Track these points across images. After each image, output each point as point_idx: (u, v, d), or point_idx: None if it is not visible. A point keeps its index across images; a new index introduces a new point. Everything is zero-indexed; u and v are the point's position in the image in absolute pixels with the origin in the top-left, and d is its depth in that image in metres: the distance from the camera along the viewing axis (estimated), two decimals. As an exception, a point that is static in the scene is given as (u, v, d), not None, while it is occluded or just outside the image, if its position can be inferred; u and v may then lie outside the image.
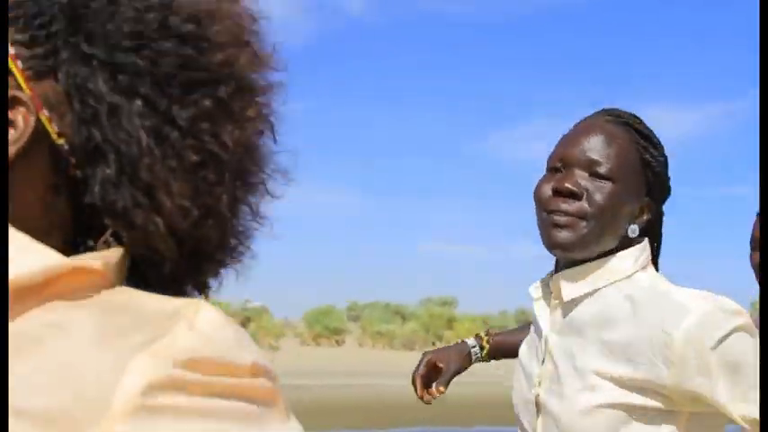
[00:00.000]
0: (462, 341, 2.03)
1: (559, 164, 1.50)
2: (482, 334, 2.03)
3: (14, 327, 0.57)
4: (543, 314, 1.58)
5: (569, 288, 1.50)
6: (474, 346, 1.99)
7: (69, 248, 0.64)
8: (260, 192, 0.70)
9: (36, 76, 0.65)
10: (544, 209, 1.49)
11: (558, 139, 1.55)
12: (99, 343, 0.56)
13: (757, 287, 2.18)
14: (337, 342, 58.98)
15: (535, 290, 1.60)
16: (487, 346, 1.99)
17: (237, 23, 0.69)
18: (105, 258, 0.62)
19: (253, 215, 0.70)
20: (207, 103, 0.65)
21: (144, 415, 0.53)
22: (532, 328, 1.66)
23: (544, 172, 1.53)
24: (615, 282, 1.49)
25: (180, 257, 0.66)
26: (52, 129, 0.65)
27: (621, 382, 1.41)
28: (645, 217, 1.52)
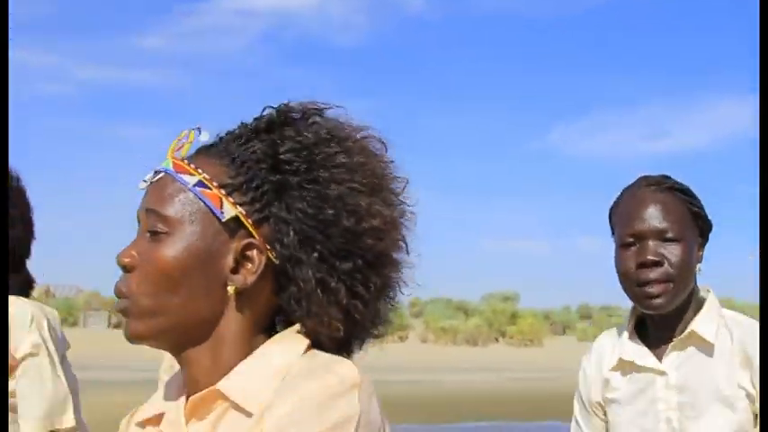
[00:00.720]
0: None
1: (631, 239, 1.80)
2: None
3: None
4: (648, 358, 1.85)
5: (703, 327, 1.81)
6: None
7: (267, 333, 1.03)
8: (393, 292, 1.06)
9: (256, 225, 1.00)
10: (636, 283, 1.79)
11: (613, 213, 1.88)
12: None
13: None
14: (401, 338, 58.89)
15: (630, 351, 1.88)
16: None
17: (388, 203, 1.03)
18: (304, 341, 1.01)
19: (388, 306, 1.07)
20: (359, 261, 1.00)
21: None
22: (626, 377, 1.89)
23: (620, 243, 1.84)
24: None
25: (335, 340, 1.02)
26: (275, 263, 1.00)
27: (751, 398, 1.76)
28: (701, 253, 1.85)
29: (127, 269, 1.00)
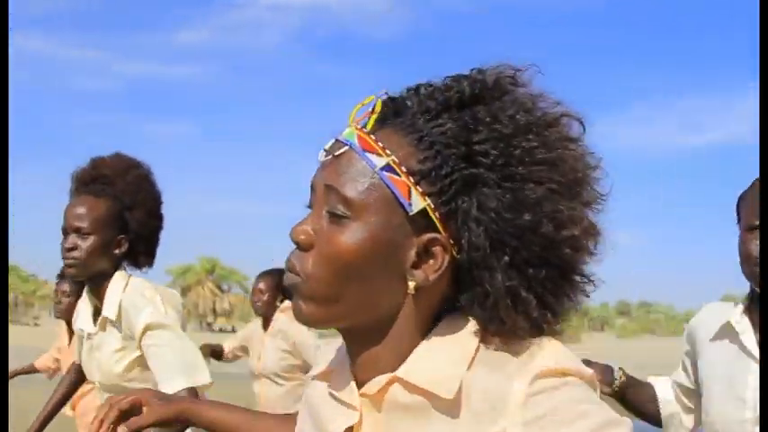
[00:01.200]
0: (608, 366, 2.20)
1: (758, 223, 1.88)
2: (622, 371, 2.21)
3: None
4: (750, 340, 1.92)
5: None
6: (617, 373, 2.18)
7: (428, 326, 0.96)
8: (578, 301, 0.96)
9: (442, 219, 0.91)
10: (755, 264, 1.88)
11: (741, 201, 1.95)
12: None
13: None
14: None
15: (738, 321, 1.95)
16: (624, 378, 2.17)
17: (587, 204, 0.94)
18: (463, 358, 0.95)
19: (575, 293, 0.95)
20: (553, 271, 0.90)
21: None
22: (722, 354, 1.96)
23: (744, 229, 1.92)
24: None
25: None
26: (456, 259, 0.92)
27: None
28: None
29: (302, 247, 0.94)
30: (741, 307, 1.98)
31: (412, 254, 0.91)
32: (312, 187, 0.96)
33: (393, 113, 0.94)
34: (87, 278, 2.45)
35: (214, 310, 54.81)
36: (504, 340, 0.92)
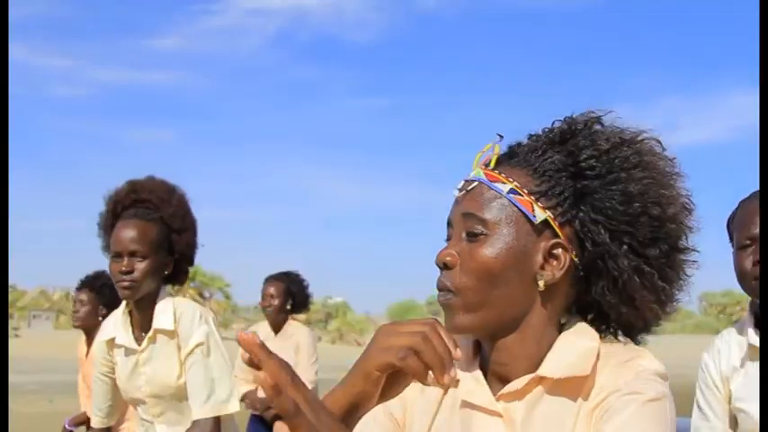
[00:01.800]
0: None
1: (748, 242, 2.04)
2: None
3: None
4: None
5: None
6: None
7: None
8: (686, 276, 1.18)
9: (561, 227, 1.13)
10: (753, 278, 2.02)
11: (731, 222, 2.11)
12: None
13: None
14: (420, 336, 58.58)
15: (756, 340, 2.07)
16: None
17: (679, 193, 1.16)
18: (591, 353, 1.13)
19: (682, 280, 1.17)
20: (665, 246, 1.13)
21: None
22: (755, 374, 2.06)
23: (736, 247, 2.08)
24: None
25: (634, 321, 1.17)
26: (575, 261, 1.13)
27: None
28: None
29: (447, 266, 1.13)
30: (751, 329, 2.09)
31: (539, 257, 1.12)
32: (449, 222, 1.18)
33: (507, 156, 1.17)
34: (139, 298, 2.57)
35: (196, 318, 54.60)
36: (620, 335, 1.17)
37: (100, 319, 4.35)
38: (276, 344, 4.78)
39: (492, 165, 1.17)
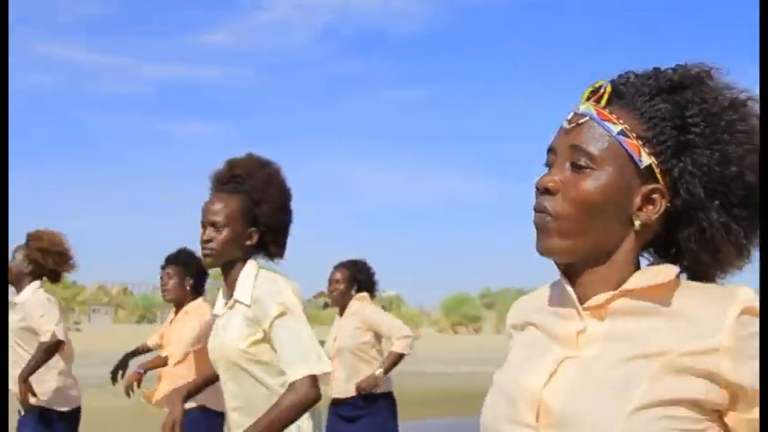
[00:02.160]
0: None
1: None
2: None
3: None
4: None
5: None
6: None
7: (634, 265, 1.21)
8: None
9: (662, 174, 1.18)
10: None
11: None
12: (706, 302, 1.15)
13: None
14: (475, 330, 58.62)
15: None
16: None
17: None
18: (673, 270, 1.18)
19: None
20: (753, 210, 1.18)
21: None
22: None
23: None
24: None
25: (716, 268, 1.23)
26: (665, 206, 1.18)
27: None
28: None
29: (550, 192, 1.19)
30: None
31: (638, 200, 1.18)
32: (552, 149, 1.23)
33: (615, 95, 1.21)
34: (221, 266, 2.72)
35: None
36: (703, 277, 1.22)
37: (187, 288, 4.67)
38: (341, 323, 5.17)
39: (603, 103, 1.20)
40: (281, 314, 2.58)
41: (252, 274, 2.69)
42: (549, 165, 1.23)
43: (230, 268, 2.71)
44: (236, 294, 2.68)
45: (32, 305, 4.51)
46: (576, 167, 1.19)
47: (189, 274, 4.66)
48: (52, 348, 4.47)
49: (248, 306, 2.64)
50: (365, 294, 5.24)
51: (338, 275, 5.22)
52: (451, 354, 31.04)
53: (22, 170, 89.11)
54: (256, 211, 2.70)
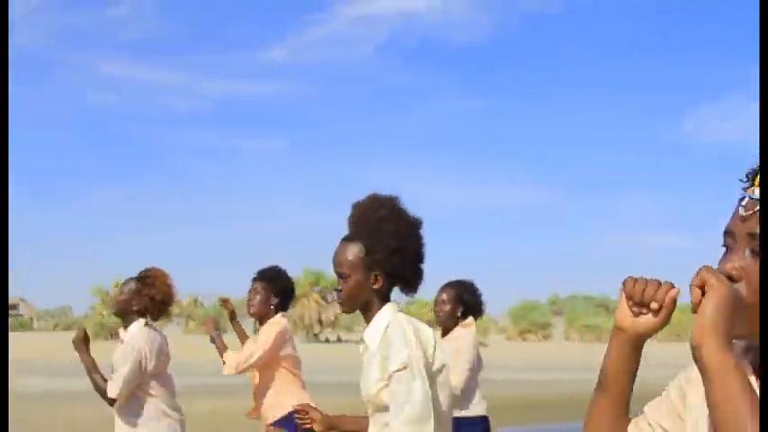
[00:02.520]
0: None
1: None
2: None
3: None
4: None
5: None
6: None
7: None
8: None
9: None
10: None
11: None
12: None
13: None
14: (544, 337, 57.97)
15: None
16: None
17: None
18: None
19: None
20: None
21: None
22: None
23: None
24: None
25: None
26: None
27: None
28: None
29: (734, 279, 1.19)
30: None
31: None
32: (730, 233, 1.23)
33: None
34: (359, 310, 2.76)
35: (320, 321, 55.51)
36: None
37: (271, 307, 4.73)
38: (443, 345, 5.00)
39: None
40: (400, 369, 2.55)
41: (385, 319, 2.69)
42: (726, 246, 1.24)
43: (367, 311, 2.74)
44: (367, 338, 2.71)
45: (132, 345, 4.34)
46: (757, 255, 1.20)
47: (275, 293, 4.75)
48: (107, 399, 4.33)
49: (374, 352, 2.66)
50: (472, 322, 5.14)
51: (444, 296, 5.11)
52: (520, 361, 30.80)
53: (95, 189, 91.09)
54: (371, 258, 2.69)
